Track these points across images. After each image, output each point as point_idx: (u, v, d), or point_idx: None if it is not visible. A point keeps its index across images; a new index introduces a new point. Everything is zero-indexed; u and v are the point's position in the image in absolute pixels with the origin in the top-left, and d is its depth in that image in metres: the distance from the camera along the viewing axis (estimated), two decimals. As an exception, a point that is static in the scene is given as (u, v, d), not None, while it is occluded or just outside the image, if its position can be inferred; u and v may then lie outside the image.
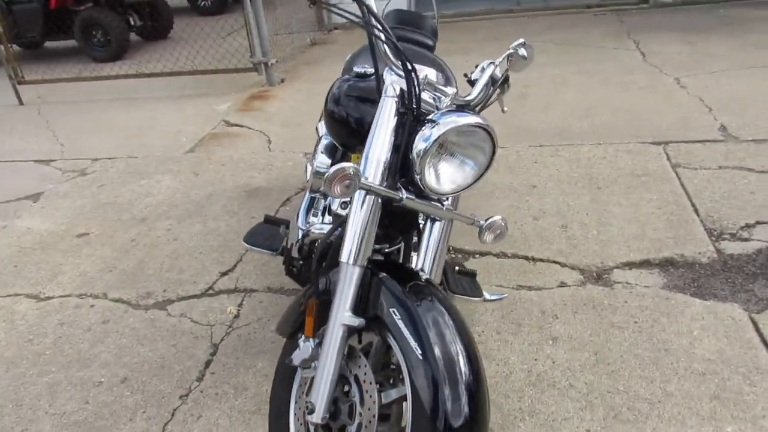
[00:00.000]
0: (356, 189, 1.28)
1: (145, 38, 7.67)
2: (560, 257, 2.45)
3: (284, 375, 1.53)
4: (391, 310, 1.33)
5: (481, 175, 1.45)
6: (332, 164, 2.13)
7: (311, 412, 1.29)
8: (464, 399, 1.21)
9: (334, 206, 1.90)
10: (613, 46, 5.28)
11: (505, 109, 1.98)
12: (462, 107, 1.63)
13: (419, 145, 1.35)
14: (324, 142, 2.18)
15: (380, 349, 1.44)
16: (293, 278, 1.97)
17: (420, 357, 1.23)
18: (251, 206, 3.14)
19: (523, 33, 5.94)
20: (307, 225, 2.03)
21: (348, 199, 1.57)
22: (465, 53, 5.43)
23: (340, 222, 1.47)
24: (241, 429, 1.81)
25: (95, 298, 2.52)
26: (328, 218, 1.94)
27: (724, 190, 2.77)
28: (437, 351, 1.24)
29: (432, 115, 1.41)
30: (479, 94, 1.63)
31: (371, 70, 1.75)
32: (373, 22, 1.41)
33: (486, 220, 1.53)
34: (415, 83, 1.41)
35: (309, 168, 2.25)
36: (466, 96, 1.62)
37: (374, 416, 1.30)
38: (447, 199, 1.55)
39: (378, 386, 1.36)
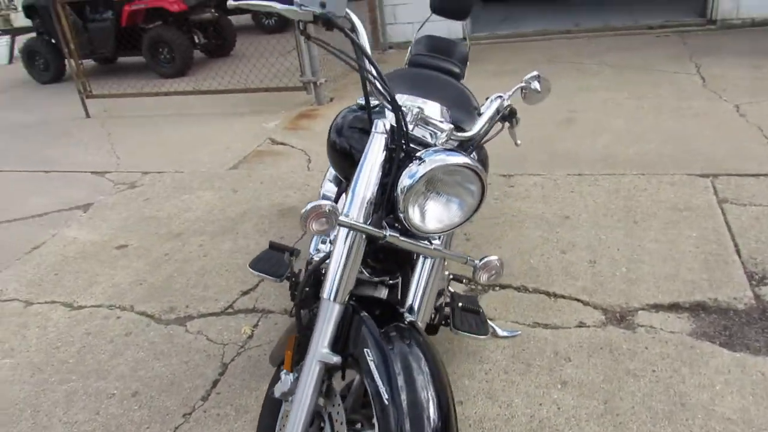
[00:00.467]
0: (333, 227, 1.27)
1: (209, 55, 7.99)
2: (584, 295, 2.35)
3: (271, 405, 1.53)
4: (365, 350, 1.31)
5: (470, 216, 1.41)
6: (338, 193, 2.15)
7: None
8: None
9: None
10: (672, 70, 5.05)
11: (519, 142, 1.94)
12: (460, 144, 1.60)
13: (404, 181, 1.33)
14: (331, 170, 2.19)
15: (359, 388, 1.42)
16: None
17: (387, 401, 1.21)
18: (282, 226, 3.18)
19: (577, 55, 5.82)
20: (315, 252, 2.05)
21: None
22: (514, 74, 5.34)
23: (325, 257, 1.47)
24: (236, 453, 1.82)
25: (123, 310, 2.61)
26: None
27: (773, 231, 2.59)
28: (405, 397, 1.21)
29: (421, 152, 1.39)
30: (479, 129, 1.59)
31: (375, 101, 1.75)
32: (366, 64, 1.40)
33: (481, 260, 1.48)
34: (403, 120, 1.39)
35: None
36: (466, 132, 1.59)
37: None
38: (438, 237, 1.51)
39: (352, 426, 1.34)
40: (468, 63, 2.80)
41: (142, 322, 2.51)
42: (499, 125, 1.72)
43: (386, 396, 1.21)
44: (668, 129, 3.81)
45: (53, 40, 7.32)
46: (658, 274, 2.41)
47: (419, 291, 1.54)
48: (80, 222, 3.53)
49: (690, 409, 1.77)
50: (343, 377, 1.48)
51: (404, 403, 1.20)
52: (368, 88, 1.45)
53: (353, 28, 1.49)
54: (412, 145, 1.46)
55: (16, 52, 8.71)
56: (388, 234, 1.37)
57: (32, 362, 2.33)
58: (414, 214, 1.35)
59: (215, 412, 1.99)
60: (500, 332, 2.18)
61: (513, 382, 1.96)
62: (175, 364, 2.24)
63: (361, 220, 1.40)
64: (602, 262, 2.54)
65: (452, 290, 2.14)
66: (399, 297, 1.66)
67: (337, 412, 1.33)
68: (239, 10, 8.47)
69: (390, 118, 1.50)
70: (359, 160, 1.73)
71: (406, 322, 1.42)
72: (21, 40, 8.27)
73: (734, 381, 1.85)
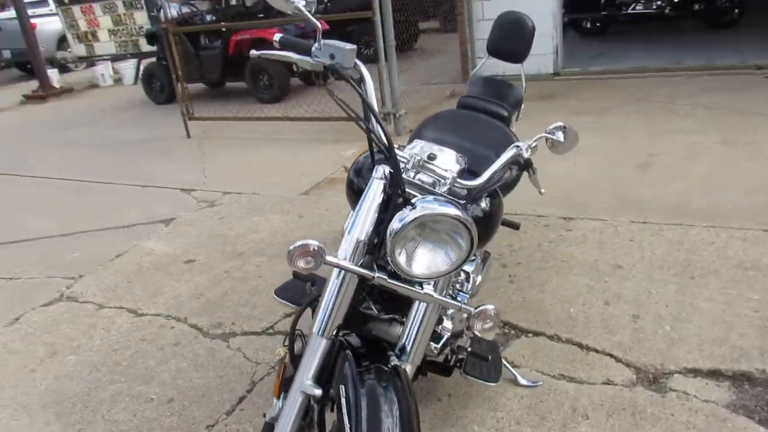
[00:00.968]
0: (319, 266, 1.35)
1: (306, 83, 8.41)
2: (618, 351, 2.25)
3: (266, 428, 1.62)
4: (340, 387, 1.36)
5: (458, 267, 1.43)
6: None
7: None
8: None
9: None
10: (774, 115, 4.70)
11: (543, 190, 1.92)
12: (465, 192, 1.62)
13: (394, 225, 1.38)
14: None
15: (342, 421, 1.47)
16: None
17: (349, 440, 1.25)
18: (331, 252, 3.29)
19: (671, 94, 5.56)
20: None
21: None
22: (599, 113, 5.20)
23: (320, 292, 1.54)
24: (244, 469, 1.92)
25: (177, 320, 2.83)
26: None
27: None
28: (368, 438, 1.25)
29: (417, 198, 1.44)
30: (486, 179, 1.60)
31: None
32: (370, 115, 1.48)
33: (476, 308, 1.50)
34: (400, 168, 1.45)
35: None
36: (473, 181, 1.61)
37: None
38: (430, 282, 1.54)
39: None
40: (522, 105, 2.79)
41: (191, 334, 2.70)
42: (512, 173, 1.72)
43: (349, 435, 1.26)
44: (755, 179, 3.55)
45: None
46: (704, 336, 2.26)
47: (411, 333, 1.58)
48: (160, 235, 3.85)
49: (705, 487, 1.65)
50: (332, 409, 1.54)
51: (366, 445, 1.24)
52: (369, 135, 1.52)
53: (362, 79, 1.58)
54: (411, 191, 1.51)
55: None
56: (376, 275, 1.43)
57: (92, 361, 2.58)
58: (400, 258, 1.39)
59: (235, 427, 2.11)
60: (521, 380, 2.14)
61: (522, 434, 1.92)
62: (210, 377, 2.40)
63: (353, 260, 1.46)
64: (646, 317, 2.42)
65: (474, 333, 2.13)
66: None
67: (316, 443, 1.40)
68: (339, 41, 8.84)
69: (412, 161, 1.56)
70: None
71: (390, 365, 1.46)
72: (145, 63, 9.12)
73: (763, 463, 1.71)
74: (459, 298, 2.02)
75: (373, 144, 1.53)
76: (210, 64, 7.82)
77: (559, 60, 6.80)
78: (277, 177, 4.75)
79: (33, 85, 10.34)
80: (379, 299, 1.76)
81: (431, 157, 1.63)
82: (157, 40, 8.17)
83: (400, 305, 1.68)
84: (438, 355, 1.90)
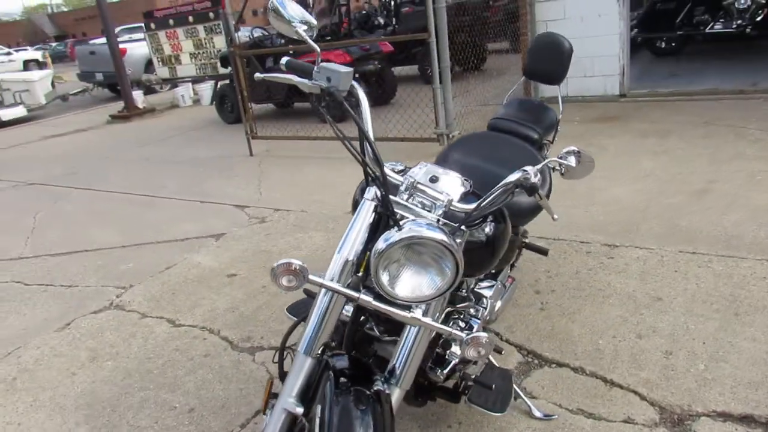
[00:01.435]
0: (302, 285, 1.37)
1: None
2: (643, 388, 2.13)
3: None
4: (317, 406, 1.37)
5: (443, 293, 1.41)
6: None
7: None
8: None
9: None
10: None
11: (555, 216, 1.87)
12: (456, 217, 1.60)
13: (378, 245, 1.38)
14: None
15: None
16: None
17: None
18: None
19: (743, 118, 5.26)
20: None
21: None
22: (662, 136, 4.98)
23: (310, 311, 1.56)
24: (248, 483, 1.95)
25: (211, 332, 2.92)
26: None
27: None
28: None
29: (405, 221, 1.44)
30: (482, 204, 1.56)
31: (401, 167, 1.82)
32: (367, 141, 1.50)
33: (468, 335, 1.47)
34: (387, 188, 1.46)
35: None
36: (469, 205, 1.59)
37: None
38: (419, 306, 1.53)
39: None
40: (558, 128, 2.72)
41: (221, 346, 2.79)
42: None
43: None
44: (823, 210, 3.29)
45: (239, 86, 8.41)
46: (740, 378, 2.10)
47: (402, 356, 1.57)
48: (209, 249, 4.01)
49: None
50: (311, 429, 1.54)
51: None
52: (361, 158, 1.54)
53: (358, 103, 1.60)
54: (404, 213, 1.51)
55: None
56: (361, 296, 1.43)
57: (127, 367, 2.71)
58: (384, 278, 1.39)
59: (247, 440, 2.15)
60: (535, 412, 2.06)
61: (527, 469, 1.85)
62: (232, 389, 2.46)
63: (342, 280, 1.48)
64: (679, 354, 2.28)
65: (488, 361, 2.09)
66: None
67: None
68: (404, 62, 8.90)
69: (406, 183, 1.57)
70: None
71: (373, 389, 1.46)
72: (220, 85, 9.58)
73: None
74: (472, 324, 1.99)
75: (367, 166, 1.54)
76: (276, 85, 8.12)
77: (625, 81, 6.58)
78: (326, 195, 4.84)
79: (120, 105, 11.08)
80: (380, 321, 1.76)
81: (433, 180, 1.63)
82: (228, 62, 8.58)
83: (401, 327, 1.67)
84: (445, 381, 1.87)
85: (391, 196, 1.49)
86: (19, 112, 12.14)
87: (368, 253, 1.47)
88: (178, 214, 4.88)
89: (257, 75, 1.70)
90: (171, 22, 11.53)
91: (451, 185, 1.68)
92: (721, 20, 8.07)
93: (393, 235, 1.37)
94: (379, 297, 1.45)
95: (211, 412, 2.33)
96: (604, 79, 6.66)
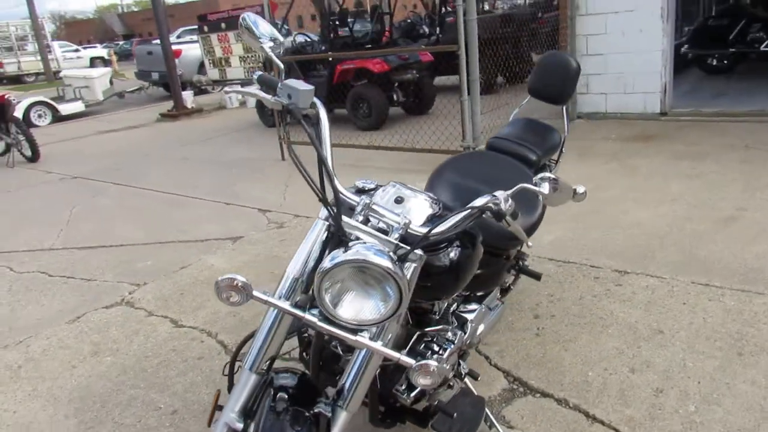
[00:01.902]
0: (245, 301, 1.39)
1: (407, 112, 8.55)
2: (626, 426, 2.04)
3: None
4: (248, 421, 1.38)
5: (386, 319, 1.38)
6: None
7: None
8: None
9: None
10: None
11: (530, 243, 1.83)
12: (413, 241, 1.56)
13: (324, 264, 1.37)
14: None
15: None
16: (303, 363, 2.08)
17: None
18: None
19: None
20: None
21: None
22: (697, 159, 4.77)
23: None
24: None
25: (208, 335, 2.98)
26: None
27: None
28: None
29: (354, 242, 1.43)
30: (430, 231, 1.49)
31: (371, 185, 1.81)
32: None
33: (417, 362, 1.45)
34: (339, 209, 1.45)
35: None
36: (431, 229, 1.55)
37: None
38: (368, 329, 1.50)
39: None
40: (563, 150, 2.66)
41: (215, 350, 2.84)
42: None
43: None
44: None
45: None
46: (731, 424, 1.98)
47: (350, 379, 1.55)
48: (225, 251, 4.08)
49: None
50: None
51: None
52: (319, 177, 1.54)
53: (317, 121, 1.60)
54: (358, 234, 1.50)
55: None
56: (306, 315, 1.43)
57: (124, 364, 2.79)
58: (326, 297, 1.38)
59: (220, 447, 2.17)
60: (508, 443, 2.01)
61: (487, 502, 1.80)
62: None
63: (290, 298, 1.48)
64: (670, 393, 2.17)
65: (465, 384, 2.05)
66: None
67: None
68: (446, 71, 8.79)
69: (361, 204, 1.56)
70: None
71: (313, 410, 1.45)
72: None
73: None
74: (445, 347, 1.95)
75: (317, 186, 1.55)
76: (316, 91, 8.21)
77: (667, 99, 6.34)
78: (348, 204, 4.85)
79: (171, 104, 11.45)
80: (340, 339, 1.75)
81: (398, 201, 1.63)
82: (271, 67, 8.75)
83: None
84: (415, 403, 1.85)
85: (344, 217, 1.48)
86: (78, 107, 12.72)
87: (318, 272, 1.47)
88: (203, 215, 4.99)
89: (226, 89, 1.73)
90: (223, 25, 11.89)
91: (417, 207, 1.66)
92: (779, 37, 7.70)
93: (339, 255, 1.36)
94: (326, 318, 1.44)
95: (193, 416, 2.37)
96: (644, 96, 6.44)
